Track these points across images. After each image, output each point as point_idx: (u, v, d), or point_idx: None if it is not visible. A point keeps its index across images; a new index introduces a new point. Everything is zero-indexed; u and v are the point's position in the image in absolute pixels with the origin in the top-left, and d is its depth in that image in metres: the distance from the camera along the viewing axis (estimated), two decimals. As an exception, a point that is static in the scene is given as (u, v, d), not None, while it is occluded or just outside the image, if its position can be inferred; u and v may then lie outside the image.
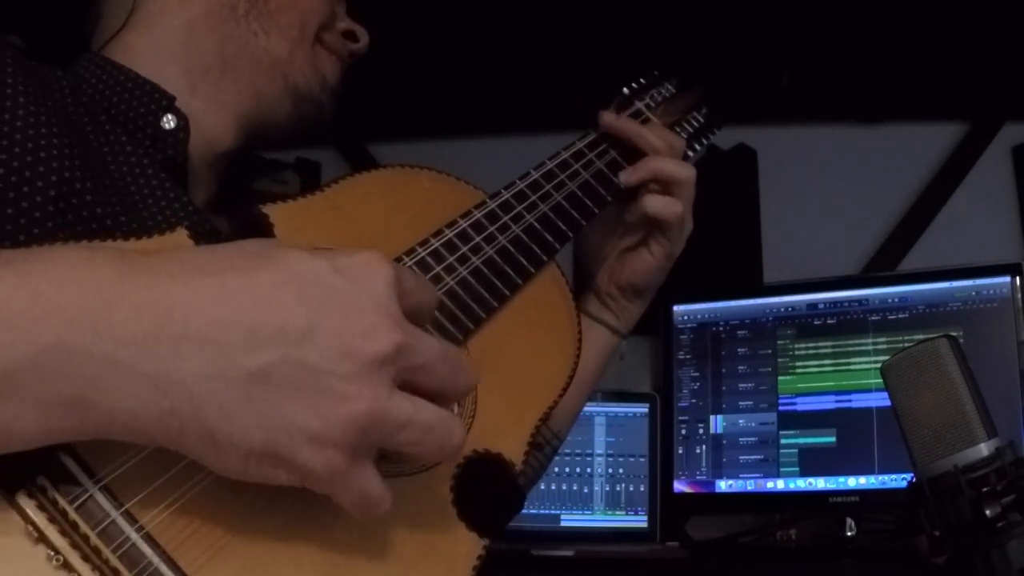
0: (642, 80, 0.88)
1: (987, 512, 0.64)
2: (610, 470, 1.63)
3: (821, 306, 1.59)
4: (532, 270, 0.68)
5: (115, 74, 0.70)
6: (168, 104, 0.70)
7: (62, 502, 0.44)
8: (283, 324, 0.43)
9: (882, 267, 1.77)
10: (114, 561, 0.44)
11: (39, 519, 0.44)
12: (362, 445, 0.44)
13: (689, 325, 1.68)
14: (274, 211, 0.60)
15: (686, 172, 0.80)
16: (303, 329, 0.43)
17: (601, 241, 0.84)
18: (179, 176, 0.70)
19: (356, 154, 1.98)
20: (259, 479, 0.44)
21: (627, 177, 0.79)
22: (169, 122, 0.69)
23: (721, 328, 1.65)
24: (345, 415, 0.43)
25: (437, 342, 0.47)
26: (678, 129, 0.87)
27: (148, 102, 0.69)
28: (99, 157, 0.65)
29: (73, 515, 0.44)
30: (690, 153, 0.88)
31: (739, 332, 1.63)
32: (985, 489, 0.65)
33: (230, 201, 0.76)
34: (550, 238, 0.71)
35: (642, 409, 1.66)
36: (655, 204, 0.79)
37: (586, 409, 1.63)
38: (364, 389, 0.43)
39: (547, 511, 1.60)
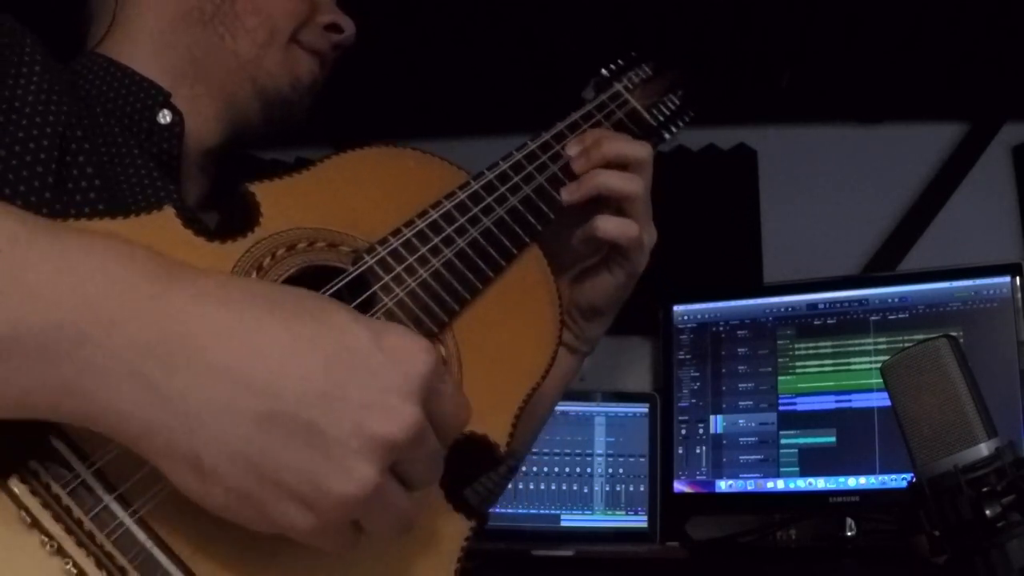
0: (620, 62, 0.88)
1: (987, 512, 0.64)
2: (610, 470, 1.63)
3: (821, 306, 1.59)
4: (515, 251, 0.68)
5: (112, 71, 0.72)
6: (164, 99, 0.71)
7: (55, 487, 0.44)
8: (306, 378, 0.41)
9: (882, 267, 1.77)
10: (108, 546, 0.44)
11: (32, 504, 0.44)
12: (345, 520, 0.43)
13: (689, 325, 1.68)
14: (260, 189, 0.60)
15: (633, 185, 0.73)
16: (322, 392, 0.41)
17: (557, 256, 0.77)
18: (172, 171, 0.71)
19: (352, 149, 1.98)
20: (234, 518, 0.43)
21: (569, 196, 0.73)
22: (165, 117, 0.70)
23: (721, 328, 1.65)
24: (340, 493, 0.42)
25: (438, 445, 0.46)
26: (655, 111, 0.86)
27: (145, 97, 0.71)
28: (92, 140, 0.66)
29: (66, 500, 0.44)
30: (667, 136, 0.88)
31: (739, 332, 1.63)
32: (985, 489, 0.65)
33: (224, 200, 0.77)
34: (532, 219, 0.71)
35: (642, 409, 1.66)
36: (607, 227, 0.73)
37: (586, 409, 1.64)
38: (368, 471, 0.42)
39: (547, 511, 1.60)
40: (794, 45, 1.63)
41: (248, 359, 0.41)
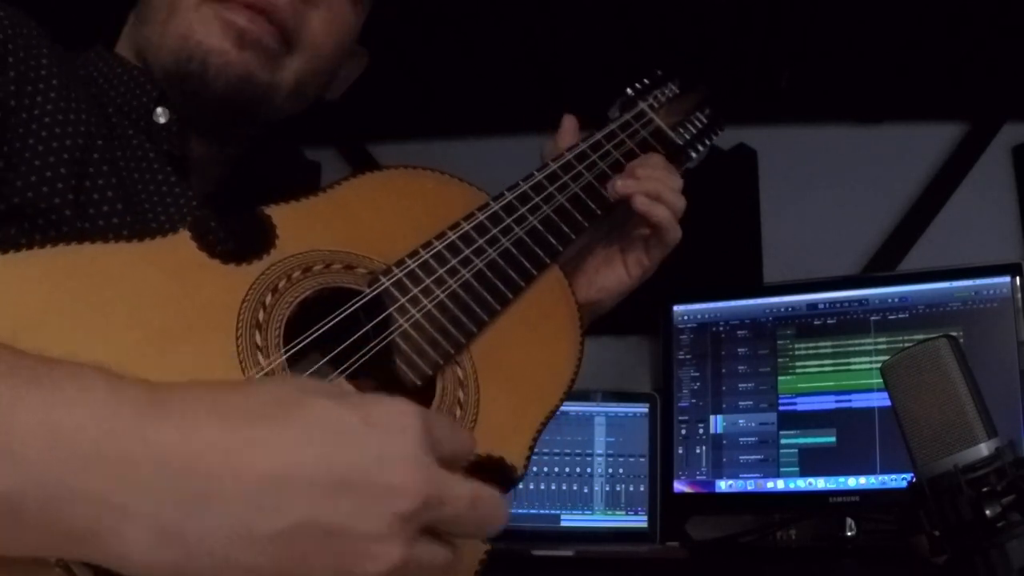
0: (646, 80, 0.87)
1: (987, 512, 0.64)
2: (610, 470, 1.63)
3: (821, 306, 1.59)
4: (535, 273, 0.68)
5: (113, 65, 0.70)
6: (159, 96, 0.69)
7: None
8: (310, 480, 0.41)
9: (882, 267, 1.77)
10: None
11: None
12: None
13: (689, 325, 1.68)
14: (277, 212, 0.60)
15: (680, 203, 0.78)
16: (329, 487, 0.41)
17: (579, 254, 0.81)
18: (182, 169, 0.69)
19: (356, 154, 1.98)
20: None
21: (624, 188, 0.77)
22: (160, 116, 0.68)
23: (721, 328, 1.65)
24: (371, 574, 0.42)
25: (467, 490, 0.45)
26: (681, 130, 0.86)
27: (140, 94, 0.69)
28: (109, 149, 0.65)
29: None
30: (694, 155, 0.87)
31: (739, 332, 1.63)
32: (985, 489, 0.65)
33: (245, 191, 0.75)
34: (553, 240, 0.71)
35: (642, 409, 1.66)
36: (655, 209, 0.77)
37: (586, 409, 1.64)
38: (391, 548, 0.42)
39: (547, 511, 1.60)
40: (794, 45, 1.63)
41: (249, 482, 0.40)
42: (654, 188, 0.77)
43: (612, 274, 0.80)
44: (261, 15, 0.68)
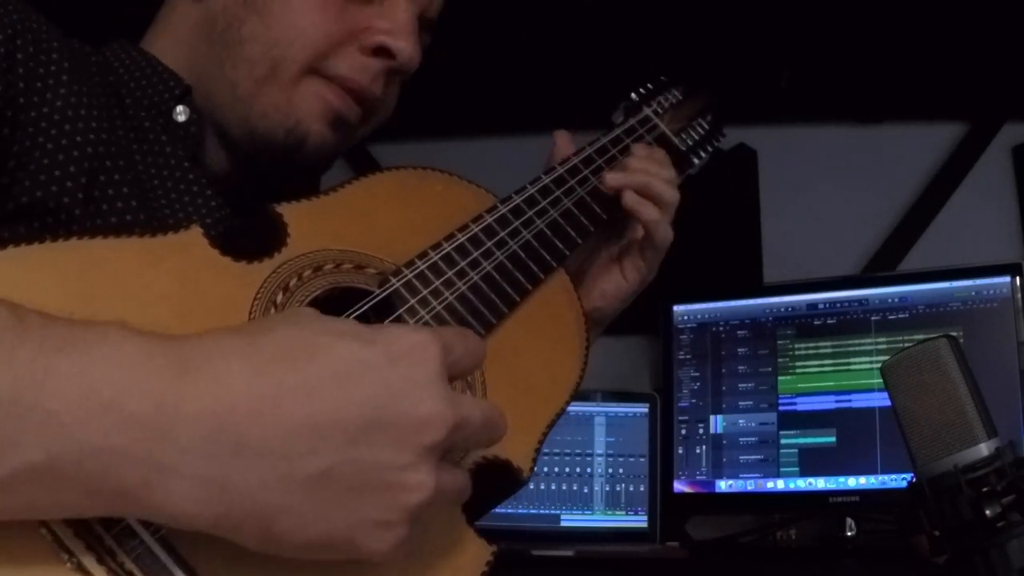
0: (649, 86, 0.87)
1: (987, 512, 0.64)
2: (610, 470, 1.63)
3: (821, 306, 1.59)
4: (542, 276, 0.68)
5: (137, 59, 0.69)
6: (181, 94, 0.68)
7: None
8: (342, 422, 0.42)
9: (882, 267, 1.77)
10: (129, 564, 0.44)
11: (53, 521, 0.43)
12: (413, 519, 0.45)
13: (689, 325, 1.68)
14: (288, 211, 0.60)
15: (671, 194, 0.77)
16: (361, 426, 0.43)
17: (576, 263, 0.80)
18: (200, 162, 0.69)
19: (356, 154, 1.98)
20: (313, 558, 0.45)
21: (613, 181, 0.76)
22: (180, 114, 0.67)
23: (721, 328, 1.65)
24: (404, 505, 0.44)
25: (479, 408, 0.47)
26: (684, 136, 0.86)
27: (162, 90, 0.68)
28: (126, 144, 0.64)
29: None
30: (696, 161, 0.87)
31: (739, 332, 1.63)
32: (985, 489, 0.65)
33: (255, 191, 0.75)
34: (560, 244, 0.71)
35: (642, 409, 1.66)
36: (643, 209, 0.76)
37: (586, 409, 1.64)
38: (423, 477, 0.44)
39: (547, 511, 1.60)
40: (794, 45, 1.63)
41: (281, 429, 0.42)
42: (643, 180, 0.76)
43: (611, 280, 0.80)
44: (355, 96, 0.69)
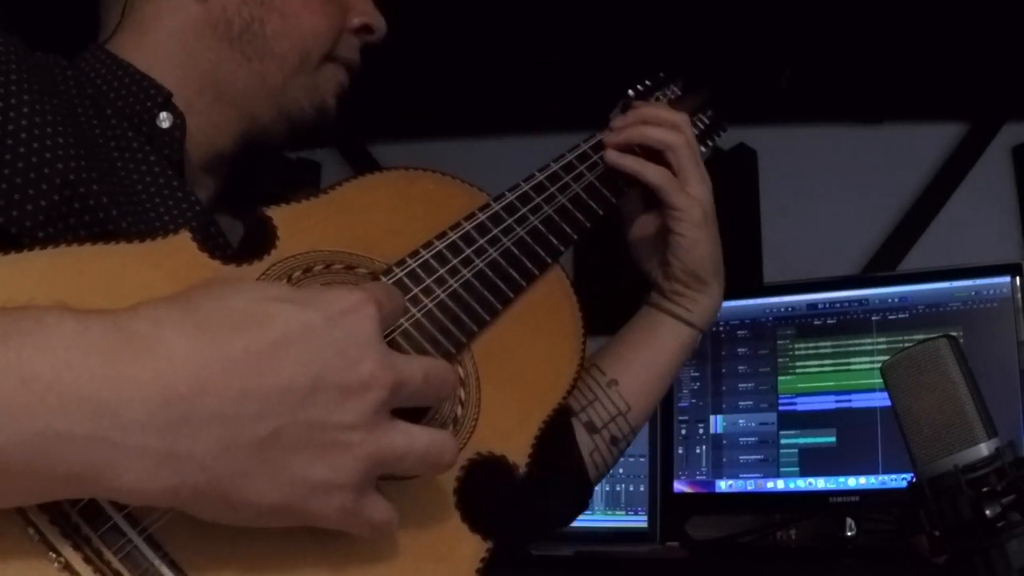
0: (648, 82, 0.87)
1: (987, 512, 0.64)
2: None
3: (821, 306, 1.59)
4: (536, 272, 0.68)
5: (113, 68, 0.69)
6: (164, 101, 0.68)
7: (64, 504, 0.44)
8: (288, 386, 0.43)
9: (882, 267, 1.77)
10: (116, 564, 0.44)
11: (40, 521, 0.43)
12: (367, 481, 0.46)
13: (689, 325, 1.67)
14: (277, 213, 0.60)
15: (671, 136, 0.78)
16: (306, 389, 0.43)
17: (646, 245, 0.83)
18: (179, 171, 0.69)
19: (356, 154, 1.98)
20: (271, 525, 0.45)
21: (609, 138, 0.78)
22: (164, 120, 0.68)
23: (721, 328, 1.65)
24: (351, 462, 0.44)
25: (418, 365, 0.48)
26: None
27: (144, 99, 0.68)
28: (105, 153, 0.64)
29: (75, 517, 0.44)
30: None
31: (739, 332, 1.63)
32: (985, 489, 0.65)
33: (240, 198, 0.75)
34: (554, 241, 0.71)
35: (642, 409, 1.66)
36: (623, 161, 0.78)
37: (586, 409, 1.63)
38: (366, 435, 0.45)
39: (547, 511, 1.60)
40: (794, 45, 1.63)
41: (228, 396, 0.42)
42: (626, 137, 0.79)
43: (671, 243, 0.80)
44: (350, 71, 0.77)
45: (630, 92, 0.86)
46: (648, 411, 0.85)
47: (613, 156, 0.78)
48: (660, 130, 0.79)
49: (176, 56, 0.71)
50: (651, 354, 0.83)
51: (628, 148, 0.79)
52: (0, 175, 0.57)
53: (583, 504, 0.84)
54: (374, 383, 0.45)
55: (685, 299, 0.82)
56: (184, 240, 0.55)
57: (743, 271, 1.79)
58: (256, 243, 0.59)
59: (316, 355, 0.44)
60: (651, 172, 0.78)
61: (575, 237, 0.73)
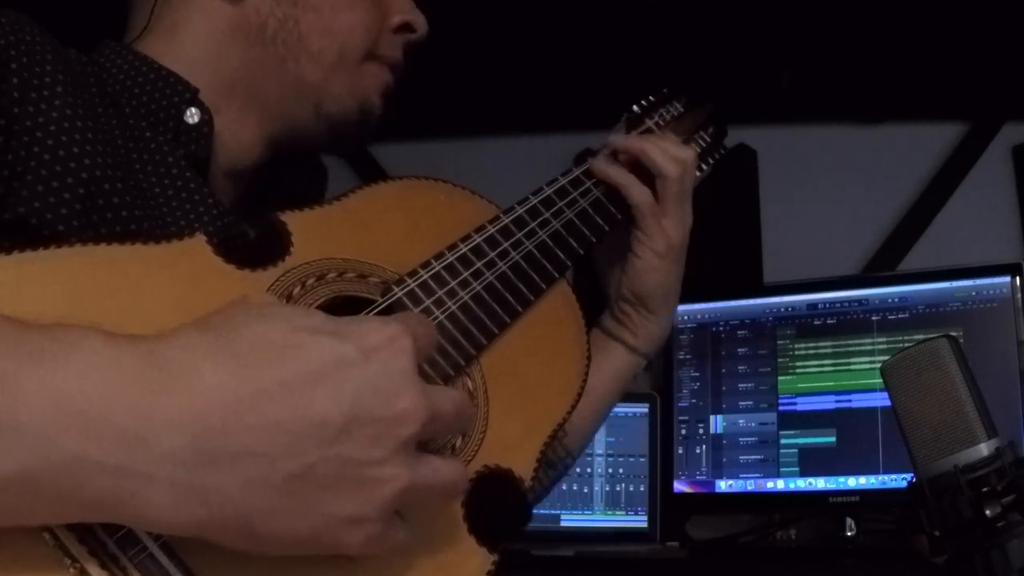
0: (651, 98, 0.87)
1: (987, 512, 0.64)
2: (610, 470, 1.63)
3: (821, 306, 1.59)
4: (544, 286, 0.68)
5: (139, 65, 0.69)
6: (192, 96, 0.68)
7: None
8: (321, 421, 0.42)
9: (882, 267, 1.77)
10: (131, 570, 0.44)
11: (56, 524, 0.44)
12: (392, 512, 0.46)
13: (689, 325, 1.68)
14: (292, 219, 0.60)
15: (670, 166, 0.77)
16: (339, 424, 0.43)
17: (608, 258, 0.83)
18: (202, 172, 0.69)
19: (358, 155, 1.98)
20: (295, 554, 0.45)
21: (608, 144, 0.78)
22: (193, 116, 0.68)
23: (721, 328, 1.65)
24: (381, 497, 0.44)
25: (450, 399, 0.48)
26: None
27: (171, 94, 0.68)
28: (124, 153, 0.64)
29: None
30: (697, 173, 0.87)
31: (739, 332, 1.63)
32: (985, 489, 0.65)
33: (257, 203, 0.75)
34: (561, 255, 0.71)
35: (642, 409, 1.66)
36: (611, 172, 0.77)
37: (586, 409, 1.64)
38: (398, 470, 0.44)
39: (547, 511, 1.60)
40: (794, 45, 1.63)
41: (260, 431, 0.41)
42: (625, 146, 0.78)
43: (629, 265, 0.80)
44: (393, 69, 0.77)
45: (635, 107, 0.86)
46: (586, 435, 0.85)
47: (601, 164, 0.77)
48: (662, 155, 0.77)
49: (205, 58, 0.70)
50: (591, 379, 0.81)
51: (631, 161, 0.78)
52: (28, 168, 0.57)
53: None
54: (409, 418, 0.44)
55: (631, 322, 0.82)
56: (199, 244, 0.55)
57: (743, 271, 1.79)
58: (270, 248, 0.59)
59: (350, 389, 0.43)
60: (636, 190, 0.77)
61: (581, 252, 0.73)
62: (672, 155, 0.78)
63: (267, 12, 0.71)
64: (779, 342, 1.60)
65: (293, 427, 0.42)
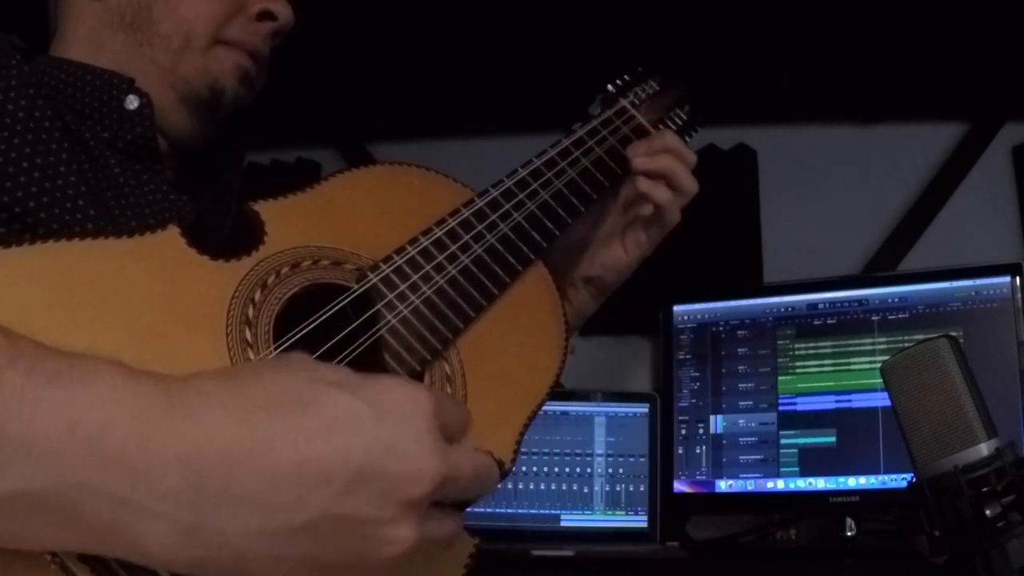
0: (626, 77, 0.88)
1: (987, 512, 0.64)
2: (610, 470, 1.63)
3: (821, 306, 1.59)
4: (520, 268, 0.69)
5: (71, 69, 0.72)
6: (128, 86, 0.71)
7: None
8: (328, 477, 0.42)
9: (882, 267, 1.77)
10: None
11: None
12: (392, 567, 0.45)
13: (689, 325, 1.68)
14: (265, 208, 0.61)
15: (691, 184, 0.81)
16: (346, 481, 0.42)
17: (580, 231, 0.84)
18: (150, 156, 0.71)
19: (356, 154, 1.98)
20: None
21: (642, 164, 0.80)
22: (132, 102, 0.70)
23: (721, 328, 1.65)
24: (386, 557, 0.44)
25: (470, 464, 0.47)
26: (661, 126, 0.87)
27: (109, 88, 0.71)
28: (68, 162, 0.65)
29: None
30: None
31: (739, 332, 1.63)
32: (985, 489, 0.65)
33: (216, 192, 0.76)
34: (537, 236, 0.71)
35: (642, 409, 1.66)
36: (656, 191, 0.80)
37: (586, 409, 1.64)
38: (406, 531, 0.44)
39: (547, 511, 1.60)
40: (794, 45, 1.63)
41: (267, 480, 0.41)
42: (665, 166, 0.80)
43: (611, 252, 0.83)
44: (252, 55, 0.78)
45: (609, 87, 0.87)
46: None
47: (647, 185, 0.80)
48: (690, 178, 0.82)
49: (94, 54, 0.74)
50: None
51: (657, 173, 0.81)
52: (7, 147, 0.59)
53: None
54: (419, 479, 0.44)
55: (578, 298, 0.84)
56: (172, 235, 0.55)
57: (743, 271, 1.79)
58: (244, 238, 0.59)
59: (361, 445, 0.43)
60: (662, 193, 0.81)
61: (557, 233, 0.73)
62: (690, 163, 0.83)
63: (125, 2, 0.75)
64: (779, 342, 1.60)
65: (297, 478, 0.42)
